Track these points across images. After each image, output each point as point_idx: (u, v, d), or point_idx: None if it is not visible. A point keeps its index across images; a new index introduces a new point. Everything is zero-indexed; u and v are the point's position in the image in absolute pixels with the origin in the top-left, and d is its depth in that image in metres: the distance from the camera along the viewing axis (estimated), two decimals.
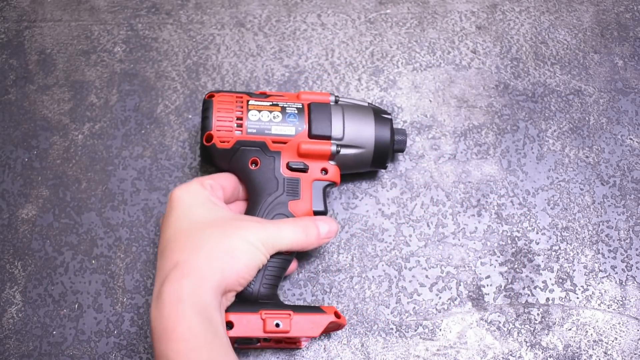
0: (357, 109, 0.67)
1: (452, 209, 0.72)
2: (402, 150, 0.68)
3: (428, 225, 0.71)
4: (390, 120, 0.67)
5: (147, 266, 0.69)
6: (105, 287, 0.68)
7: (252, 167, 0.64)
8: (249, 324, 0.58)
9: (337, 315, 0.61)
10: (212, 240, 0.54)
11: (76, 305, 0.68)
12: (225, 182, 0.63)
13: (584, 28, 0.81)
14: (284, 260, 0.62)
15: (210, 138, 0.64)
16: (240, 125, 0.64)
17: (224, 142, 0.64)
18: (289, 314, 0.59)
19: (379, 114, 0.67)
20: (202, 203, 0.58)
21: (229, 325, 0.58)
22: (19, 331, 0.66)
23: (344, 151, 0.65)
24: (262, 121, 0.64)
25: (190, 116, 0.75)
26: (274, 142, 0.64)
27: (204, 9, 0.82)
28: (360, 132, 0.66)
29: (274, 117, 0.64)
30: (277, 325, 0.58)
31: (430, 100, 0.77)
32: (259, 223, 0.58)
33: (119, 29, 0.81)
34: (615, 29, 0.81)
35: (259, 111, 0.65)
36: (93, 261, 0.69)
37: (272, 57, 0.79)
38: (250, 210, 0.64)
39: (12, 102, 0.77)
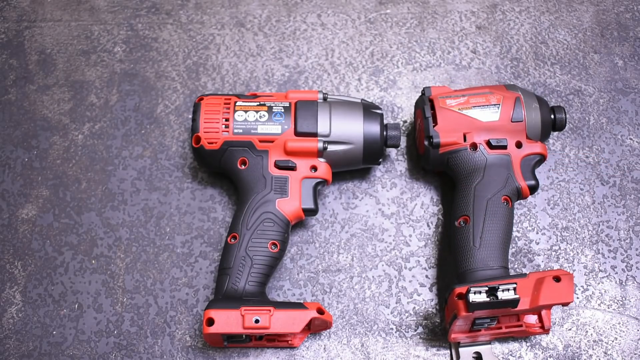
0: (346, 105, 0.67)
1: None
2: (396, 146, 0.68)
3: (428, 225, 0.71)
4: (381, 115, 0.67)
5: (147, 266, 0.69)
6: (105, 287, 0.68)
7: (241, 167, 0.66)
8: (229, 320, 0.58)
9: (320, 311, 0.61)
10: None
11: (76, 305, 0.67)
12: None
13: (584, 28, 0.81)
14: (272, 259, 0.63)
15: (198, 140, 0.66)
16: (227, 126, 0.65)
17: (211, 143, 0.65)
18: (270, 310, 0.59)
19: (369, 110, 0.67)
20: None
21: (210, 321, 0.59)
22: (19, 331, 0.66)
23: (332, 147, 0.66)
24: (249, 121, 0.65)
25: (190, 116, 0.75)
26: (260, 141, 0.65)
27: (204, 9, 0.82)
28: (348, 128, 0.66)
29: (260, 117, 0.66)
30: (257, 321, 0.58)
31: None
32: None
33: (119, 29, 0.81)
34: (615, 29, 0.81)
35: (245, 111, 0.66)
36: (93, 261, 0.69)
37: (272, 57, 0.79)
38: (238, 210, 0.65)
39: (12, 102, 0.77)
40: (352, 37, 0.80)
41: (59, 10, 0.82)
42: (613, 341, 0.66)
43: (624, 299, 0.68)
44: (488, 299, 0.56)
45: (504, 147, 0.65)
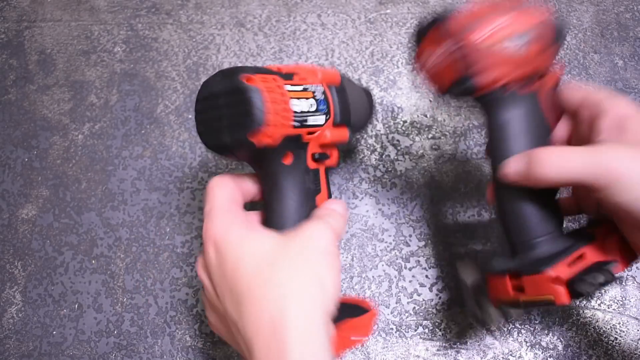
0: (356, 90, 0.64)
1: (452, 209, 0.72)
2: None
3: (428, 226, 0.71)
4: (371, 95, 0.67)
5: (147, 266, 0.69)
6: (105, 287, 0.68)
7: (285, 163, 0.53)
8: None
9: (365, 309, 0.59)
10: (300, 273, 0.48)
11: (76, 305, 0.68)
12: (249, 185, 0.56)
13: (584, 28, 0.81)
14: None
15: (256, 134, 0.48)
16: (287, 118, 0.51)
17: (271, 138, 0.50)
18: None
19: (369, 94, 0.67)
20: (246, 234, 0.50)
21: None
22: (19, 331, 0.66)
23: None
24: (303, 112, 0.52)
25: (190, 116, 0.75)
26: (308, 133, 0.54)
27: (204, 9, 0.82)
28: (362, 115, 0.64)
29: (310, 106, 0.53)
30: None
31: (430, 100, 0.77)
32: (314, 239, 0.51)
33: (119, 29, 0.81)
34: (615, 29, 0.81)
35: (298, 99, 0.52)
36: (93, 261, 0.69)
37: (272, 57, 0.79)
38: (272, 211, 0.55)
39: (12, 102, 0.77)
40: (352, 37, 0.80)
41: (59, 10, 0.82)
42: (613, 341, 0.66)
43: (624, 299, 0.68)
44: (601, 283, 0.46)
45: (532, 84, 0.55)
